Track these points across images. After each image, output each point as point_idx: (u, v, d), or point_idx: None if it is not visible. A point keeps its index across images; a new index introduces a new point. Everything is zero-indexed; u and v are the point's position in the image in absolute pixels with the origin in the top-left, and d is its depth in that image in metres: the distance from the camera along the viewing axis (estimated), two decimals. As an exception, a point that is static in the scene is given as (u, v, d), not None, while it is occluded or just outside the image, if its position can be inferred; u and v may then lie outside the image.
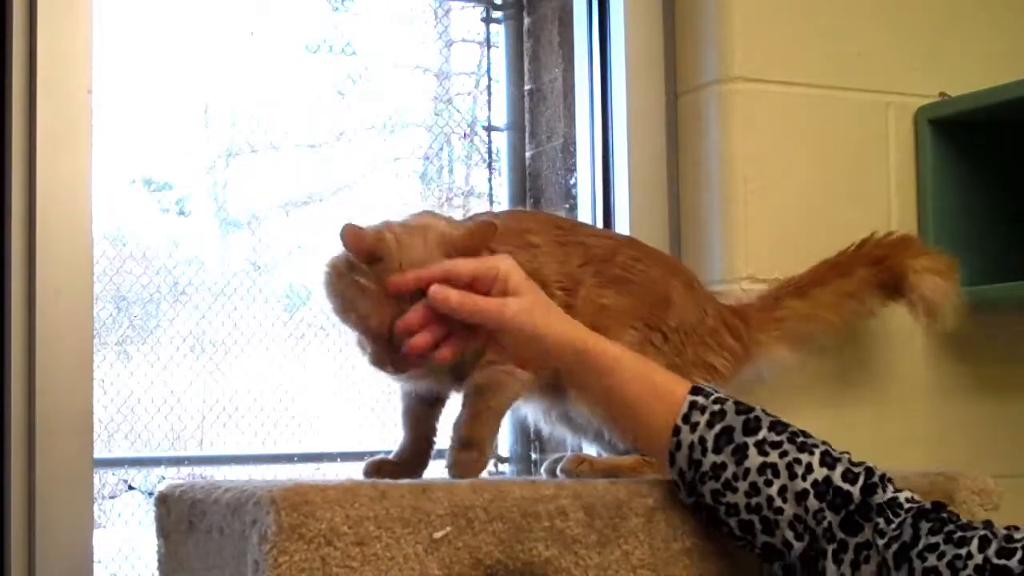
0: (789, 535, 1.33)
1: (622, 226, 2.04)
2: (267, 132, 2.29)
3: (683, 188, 2.03)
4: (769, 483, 1.34)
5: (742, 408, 1.39)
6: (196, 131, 2.28)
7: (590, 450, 1.71)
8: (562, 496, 1.34)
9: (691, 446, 1.37)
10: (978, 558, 1.23)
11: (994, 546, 1.24)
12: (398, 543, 1.26)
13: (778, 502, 1.33)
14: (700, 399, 1.39)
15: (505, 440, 1.97)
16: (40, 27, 1.70)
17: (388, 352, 1.43)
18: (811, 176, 2.00)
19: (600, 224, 2.06)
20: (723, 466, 1.36)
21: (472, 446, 1.49)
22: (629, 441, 1.52)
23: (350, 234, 1.41)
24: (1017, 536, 1.25)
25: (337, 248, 1.45)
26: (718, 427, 1.37)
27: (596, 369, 1.43)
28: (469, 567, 1.29)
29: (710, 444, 1.36)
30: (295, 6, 2.29)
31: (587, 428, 1.62)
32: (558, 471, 1.60)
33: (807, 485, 1.33)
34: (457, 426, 1.51)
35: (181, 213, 2.36)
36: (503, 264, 1.44)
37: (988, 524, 1.28)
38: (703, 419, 1.38)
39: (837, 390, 1.98)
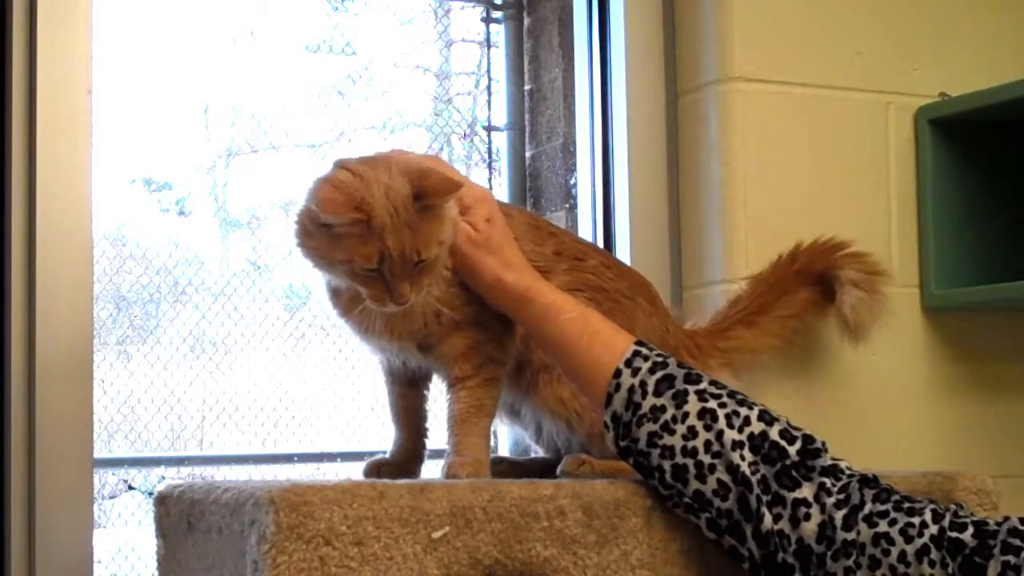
0: (727, 478, 1.34)
1: (622, 226, 2.04)
2: (267, 132, 2.29)
3: (683, 188, 2.03)
4: (708, 427, 1.36)
5: (684, 365, 1.43)
6: (196, 131, 2.29)
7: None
8: (561, 496, 1.34)
9: (631, 389, 1.39)
10: (933, 528, 1.27)
11: (948, 518, 1.28)
12: (396, 543, 1.26)
13: (716, 446, 1.35)
14: (644, 350, 1.43)
15: (504, 440, 1.97)
16: (40, 27, 1.70)
17: (384, 287, 1.42)
18: (811, 176, 1.99)
19: (600, 223, 2.06)
20: (662, 408, 1.38)
21: (466, 453, 1.49)
22: (574, 385, 1.52)
23: (327, 206, 1.39)
24: (962, 513, 1.29)
25: (297, 203, 1.46)
26: (660, 373, 1.40)
27: (533, 315, 1.46)
28: (468, 567, 1.29)
29: (651, 388, 1.39)
30: (295, 6, 2.29)
31: (529, 423, 1.63)
32: (557, 471, 1.60)
33: (743, 437, 1.35)
34: (449, 432, 1.51)
35: (181, 213, 2.36)
36: (474, 192, 1.49)
37: (931, 500, 1.32)
38: (645, 366, 1.41)
39: (838, 390, 1.97)
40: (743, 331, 1.79)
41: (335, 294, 1.52)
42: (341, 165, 1.44)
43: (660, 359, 1.41)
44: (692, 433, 1.36)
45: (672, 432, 1.36)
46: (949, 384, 2.07)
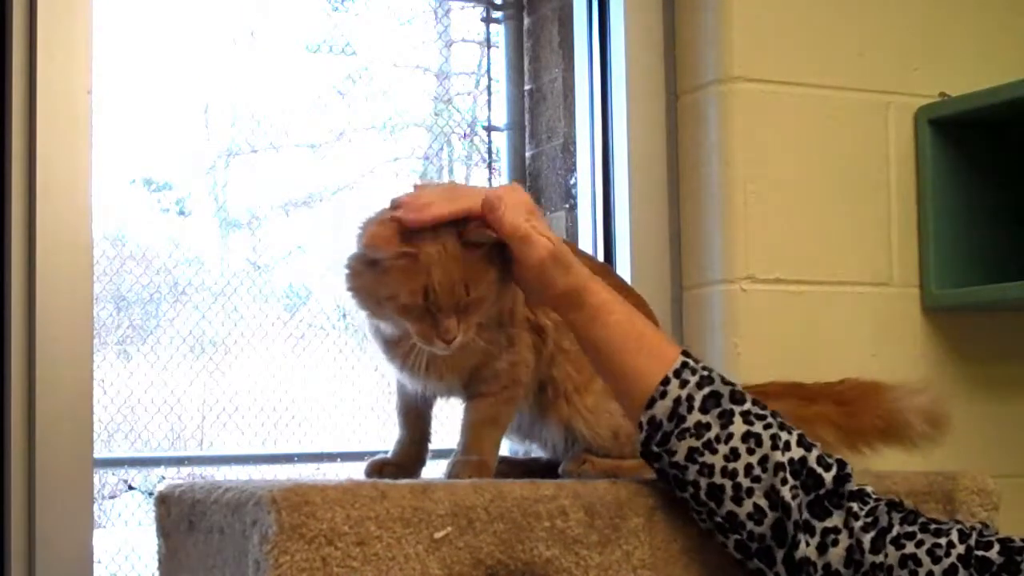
0: (763, 503, 1.34)
1: (622, 226, 2.04)
2: (267, 132, 2.30)
3: (683, 188, 2.03)
4: (751, 451, 1.35)
5: (727, 381, 1.42)
6: (196, 131, 2.29)
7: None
8: (563, 496, 1.34)
9: (677, 400, 1.38)
10: (960, 548, 1.28)
11: (974, 537, 1.28)
12: (399, 543, 1.26)
13: (757, 470, 1.35)
14: (691, 361, 1.42)
15: (505, 441, 1.97)
16: (40, 27, 1.70)
17: (431, 324, 1.40)
18: (811, 176, 2.00)
19: (600, 224, 2.06)
20: (707, 426, 1.37)
21: (473, 454, 1.48)
22: (611, 384, 1.51)
23: (375, 240, 1.38)
24: (987, 532, 1.30)
25: (345, 250, 1.45)
26: (707, 390, 1.39)
27: (582, 316, 1.44)
28: (470, 567, 1.29)
29: (697, 403, 1.38)
30: (295, 6, 2.30)
31: (556, 440, 1.62)
32: (559, 471, 1.60)
33: (784, 461, 1.35)
34: (461, 435, 1.51)
35: (181, 213, 2.37)
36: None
37: (957, 520, 1.33)
38: (693, 379, 1.39)
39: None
40: None
41: (378, 337, 1.51)
42: (393, 203, 1.44)
43: (706, 373, 1.41)
44: (734, 455, 1.35)
45: (714, 451, 1.36)
46: (949, 384, 2.07)
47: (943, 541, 1.28)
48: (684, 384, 1.39)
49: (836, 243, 2.00)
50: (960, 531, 1.30)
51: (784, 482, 1.34)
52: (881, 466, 1.57)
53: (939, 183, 2.05)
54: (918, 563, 1.28)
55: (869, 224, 2.03)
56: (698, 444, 1.37)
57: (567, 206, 2.15)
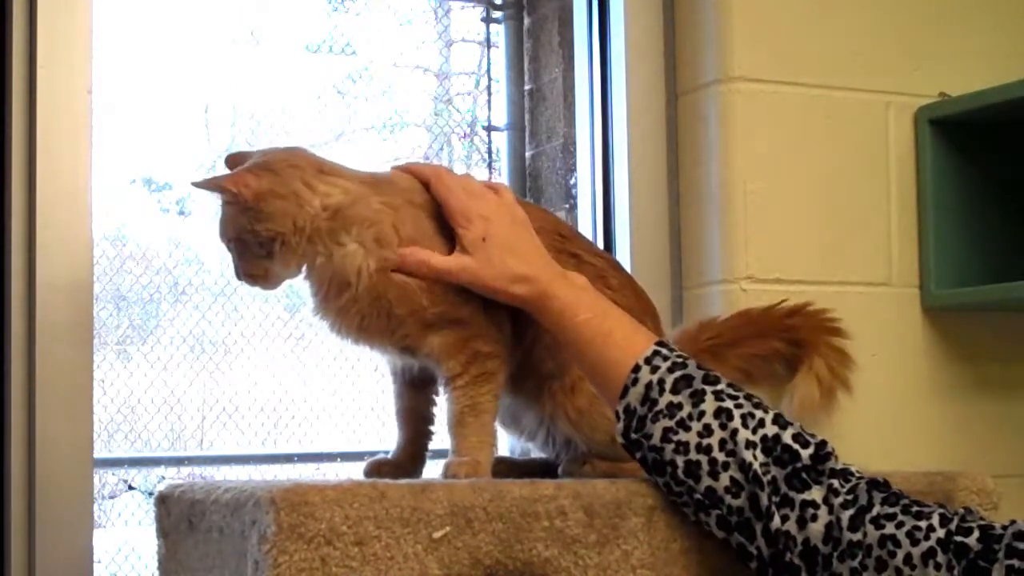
0: (739, 476, 1.35)
1: (622, 226, 2.03)
2: (267, 132, 2.30)
3: (683, 188, 2.03)
4: (723, 426, 1.37)
5: (703, 366, 1.44)
6: (196, 131, 2.29)
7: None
8: (562, 496, 1.34)
9: (648, 385, 1.40)
10: (940, 532, 1.28)
11: (955, 522, 1.28)
12: (397, 543, 1.26)
13: (730, 444, 1.36)
14: (664, 349, 1.44)
15: (504, 440, 1.97)
16: (40, 27, 1.70)
17: (234, 261, 1.51)
18: (811, 176, 2.00)
19: (600, 224, 2.06)
20: (679, 406, 1.39)
21: (465, 453, 1.48)
22: (590, 381, 1.52)
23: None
24: (969, 518, 1.30)
25: None
26: (678, 373, 1.41)
27: (547, 322, 1.47)
28: (468, 567, 1.29)
29: (668, 385, 1.40)
30: (295, 6, 2.30)
31: (534, 431, 1.62)
32: (559, 472, 1.60)
33: (756, 438, 1.36)
34: (449, 433, 1.50)
35: (181, 213, 2.37)
36: (470, 210, 1.48)
37: (940, 504, 1.33)
38: (664, 364, 1.41)
39: (837, 390, 1.97)
40: (709, 361, 1.70)
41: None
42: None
43: (680, 359, 1.42)
44: (707, 431, 1.37)
45: (687, 429, 1.38)
46: (949, 384, 2.07)
47: (923, 524, 1.29)
48: (655, 369, 1.41)
49: (836, 243, 2.00)
50: (942, 515, 1.29)
51: (755, 457, 1.35)
52: (881, 466, 1.57)
53: (939, 183, 2.04)
54: (897, 544, 1.28)
55: (869, 224, 2.03)
56: (671, 423, 1.38)
57: (567, 206, 2.15)
